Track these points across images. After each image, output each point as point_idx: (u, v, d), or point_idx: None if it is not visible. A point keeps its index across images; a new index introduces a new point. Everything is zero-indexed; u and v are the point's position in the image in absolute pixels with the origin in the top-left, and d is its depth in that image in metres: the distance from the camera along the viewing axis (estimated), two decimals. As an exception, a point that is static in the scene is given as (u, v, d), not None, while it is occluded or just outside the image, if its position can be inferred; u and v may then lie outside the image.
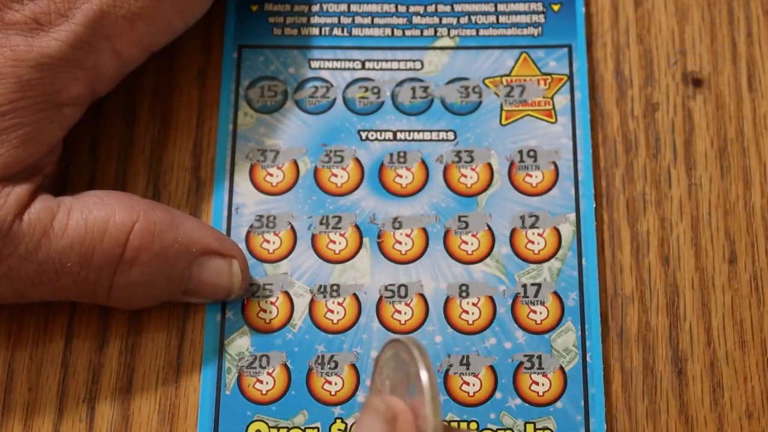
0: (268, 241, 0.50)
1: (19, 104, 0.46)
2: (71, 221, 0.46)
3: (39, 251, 0.46)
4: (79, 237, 0.46)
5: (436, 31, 0.53)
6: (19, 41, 0.46)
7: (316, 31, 0.53)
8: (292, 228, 0.51)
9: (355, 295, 0.50)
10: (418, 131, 0.52)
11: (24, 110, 0.46)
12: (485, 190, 0.51)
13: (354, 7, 0.54)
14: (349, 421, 0.48)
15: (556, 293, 0.50)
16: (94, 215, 0.46)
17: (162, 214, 0.47)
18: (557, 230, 0.50)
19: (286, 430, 0.48)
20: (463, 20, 0.54)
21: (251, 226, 0.51)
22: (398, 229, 0.51)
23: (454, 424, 0.48)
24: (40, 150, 0.47)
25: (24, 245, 0.45)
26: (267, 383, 0.49)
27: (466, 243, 0.50)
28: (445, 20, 0.54)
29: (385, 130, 0.52)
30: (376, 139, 0.52)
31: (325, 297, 0.50)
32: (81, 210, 0.46)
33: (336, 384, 0.48)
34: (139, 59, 0.49)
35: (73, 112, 0.48)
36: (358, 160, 0.52)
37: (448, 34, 0.53)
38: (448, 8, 0.54)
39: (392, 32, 0.53)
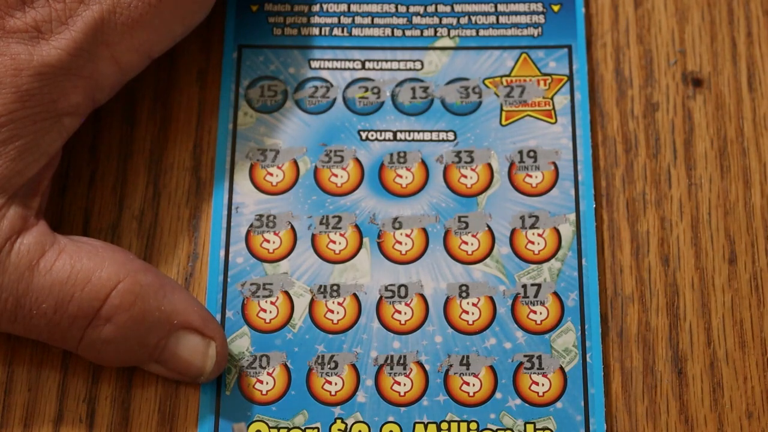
0: (268, 241, 0.50)
1: (18, 114, 0.45)
2: (58, 262, 0.46)
3: (20, 283, 0.45)
4: (60, 280, 0.45)
5: (436, 32, 0.53)
6: (19, 50, 0.46)
7: (316, 31, 0.54)
8: (292, 228, 0.51)
9: (355, 295, 0.50)
10: (418, 131, 0.52)
11: (23, 121, 0.46)
12: (485, 190, 0.51)
13: (354, 7, 0.54)
14: (349, 422, 0.48)
15: (556, 293, 0.50)
16: (82, 263, 0.46)
17: (152, 278, 0.46)
18: (557, 230, 0.50)
19: (286, 430, 0.48)
20: (463, 20, 0.54)
21: (251, 226, 0.51)
22: (398, 229, 0.51)
23: (454, 425, 0.48)
24: (39, 161, 0.46)
25: (8, 274, 0.45)
26: (267, 383, 0.48)
27: (466, 243, 0.50)
28: (445, 20, 0.54)
29: (385, 130, 0.52)
30: (376, 139, 0.52)
31: (325, 297, 0.50)
32: (71, 254, 0.46)
33: (336, 384, 0.48)
34: (139, 67, 0.49)
35: (72, 122, 0.47)
36: (358, 160, 0.52)
37: (448, 35, 0.53)
38: (448, 8, 0.54)
39: (392, 32, 0.53)
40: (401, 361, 0.49)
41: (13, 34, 0.46)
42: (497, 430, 0.48)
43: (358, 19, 0.54)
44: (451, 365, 0.49)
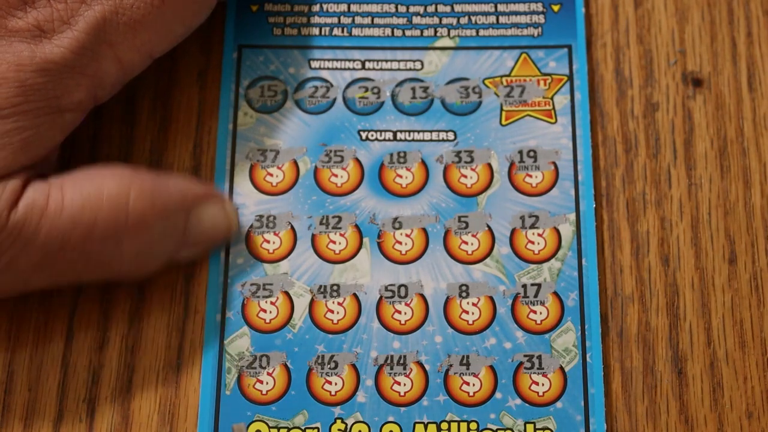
0: (268, 241, 0.50)
1: (21, 108, 0.46)
2: (66, 197, 0.46)
3: (39, 234, 0.45)
4: (77, 211, 0.46)
5: (436, 32, 0.53)
6: (22, 48, 0.46)
7: (316, 31, 0.54)
8: (292, 228, 0.51)
9: (355, 295, 0.50)
10: (418, 131, 0.52)
11: (26, 114, 0.46)
12: (485, 190, 0.51)
13: (354, 7, 0.54)
14: (349, 422, 0.48)
15: (556, 293, 0.50)
16: (86, 188, 0.46)
17: (149, 176, 0.48)
18: (557, 230, 0.50)
19: (286, 430, 0.48)
20: (463, 20, 0.54)
21: (251, 226, 0.51)
22: (398, 229, 0.51)
23: (454, 425, 0.48)
24: (39, 154, 0.47)
25: (24, 232, 0.45)
26: (267, 383, 0.49)
27: (466, 243, 0.50)
28: (445, 20, 0.54)
29: (385, 130, 0.52)
30: (376, 139, 0.52)
31: (325, 297, 0.50)
32: (73, 185, 0.46)
33: (336, 384, 0.48)
34: (141, 66, 0.49)
35: (73, 118, 0.48)
36: (358, 160, 0.52)
37: (448, 35, 0.53)
38: (448, 8, 0.54)
39: (392, 32, 0.53)
40: (401, 361, 0.49)
41: (16, 33, 0.46)
42: (497, 430, 0.48)
43: (358, 19, 0.54)
44: (451, 365, 0.49)
